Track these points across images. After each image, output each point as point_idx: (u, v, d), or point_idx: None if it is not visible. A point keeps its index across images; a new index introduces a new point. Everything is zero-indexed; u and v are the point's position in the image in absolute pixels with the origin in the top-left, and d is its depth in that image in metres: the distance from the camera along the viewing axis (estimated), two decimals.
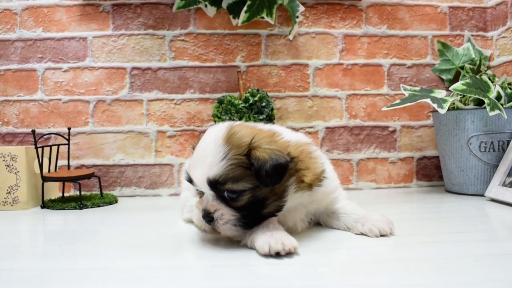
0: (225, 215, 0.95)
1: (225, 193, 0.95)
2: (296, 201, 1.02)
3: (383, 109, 1.72)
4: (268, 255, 0.89)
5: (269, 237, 0.91)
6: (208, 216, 0.96)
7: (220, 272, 0.84)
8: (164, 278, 0.79)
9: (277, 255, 0.89)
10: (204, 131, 1.89)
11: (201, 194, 1.01)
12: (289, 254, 0.90)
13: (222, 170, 0.92)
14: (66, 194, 1.85)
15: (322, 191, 1.07)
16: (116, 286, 0.75)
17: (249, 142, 0.94)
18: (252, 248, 0.95)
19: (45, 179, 1.64)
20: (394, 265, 0.84)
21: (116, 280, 0.79)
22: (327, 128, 1.97)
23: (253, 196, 0.95)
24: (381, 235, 1.04)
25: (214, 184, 0.94)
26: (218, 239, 1.08)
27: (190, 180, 1.00)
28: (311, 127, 1.96)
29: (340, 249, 0.96)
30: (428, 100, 1.60)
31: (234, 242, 1.02)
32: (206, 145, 0.96)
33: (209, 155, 0.94)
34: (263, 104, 1.70)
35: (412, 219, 1.32)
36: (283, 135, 1.02)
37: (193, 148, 1.05)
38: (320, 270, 0.81)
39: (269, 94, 1.88)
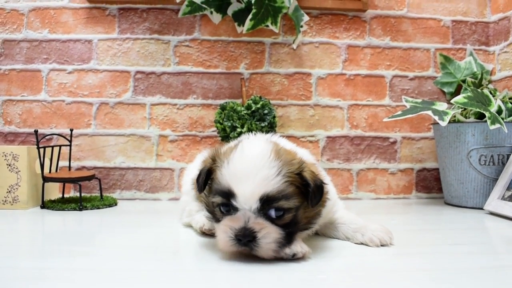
0: (272, 234, 0.88)
1: (272, 211, 0.89)
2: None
3: (385, 120, 1.73)
4: (284, 258, 0.90)
5: None
6: (249, 236, 0.87)
7: (218, 276, 0.84)
8: (161, 281, 0.79)
9: (293, 257, 0.90)
10: (206, 137, 1.92)
11: (225, 211, 0.92)
12: (300, 258, 0.91)
13: (278, 186, 0.87)
14: (66, 195, 1.85)
15: (324, 211, 1.07)
16: (112, 287, 0.76)
17: (299, 161, 0.93)
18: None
19: (45, 179, 1.65)
20: (392, 275, 0.84)
21: (113, 281, 0.79)
22: (328, 137, 1.98)
23: (295, 215, 0.92)
24: (382, 245, 1.05)
25: (267, 200, 0.87)
26: (216, 244, 1.09)
27: (229, 195, 0.89)
28: (312, 136, 1.97)
29: (339, 258, 0.96)
30: (430, 112, 1.61)
31: None
32: (255, 158, 0.89)
33: (261, 169, 0.88)
34: (265, 111, 1.71)
35: (411, 230, 1.32)
36: (300, 155, 1.00)
37: (213, 159, 0.96)
38: (319, 277, 0.81)
39: (271, 102, 1.89)
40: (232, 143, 1.03)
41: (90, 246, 1.09)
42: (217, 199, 0.92)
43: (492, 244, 1.17)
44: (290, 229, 0.91)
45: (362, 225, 1.10)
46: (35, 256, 0.99)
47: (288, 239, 0.91)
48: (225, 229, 0.89)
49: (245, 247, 0.88)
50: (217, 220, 0.95)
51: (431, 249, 1.07)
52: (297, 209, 0.91)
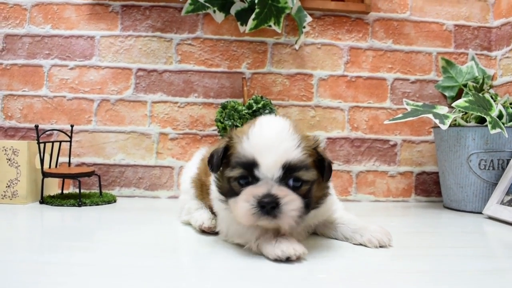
0: (295, 201, 0.90)
1: (291, 180, 0.92)
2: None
3: (385, 122, 1.73)
4: (279, 260, 0.89)
5: (278, 242, 0.92)
6: (273, 202, 0.88)
7: (216, 274, 0.84)
8: (158, 277, 0.79)
9: (287, 260, 0.89)
10: (206, 136, 1.92)
11: (244, 183, 0.93)
12: (298, 259, 0.90)
13: (299, 156, 0.91)
14: (65, 191, 1.85)
15: (324, 207, 1.07)
16: (110, 282, 0.76)
17: (314, 137, 1.00)
18: (258, 252, 0.95)
19: (45, 174, 1.65)
20: (391, 276, 0.85)
21: (111, 276, 0.79)
22: (329, 138, 1.98)
23: (310, 189, 0.96)
24: (380, 246, 1.05)
25: (289, 169, 0.90)
26: (215, 241, 1.09)
27: (252, 165, 0.91)
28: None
29: (339, 258, 0.96)
30: (430, 116, 1.61)
31: (231, 246, 1.03)
32: (277, 131, 0.94)
33: (283, 141, 0.92)
34: (266, 111, 1.71)
35: (409, 232, 1.33)
36: None
37: (229, 137, 0.98)
38: (319, 276, 0.82)
39: (272, 102, 1.88)
40: (245, 126, 1.03)
41: (89, 242, 1.10)
42: (237, 172, 0.93)
43: (490, 248, 1.17)
44: (306, 202, 0.94)
45: (361, 226, 1.10)
46: (33, 250, 0.99)
47: (306, 211, 0.94)
48: (247, 197, 0.90)
49: (268, 216, 0.89)
50: (234, 195, 0.95)
51: (429, 252, 1.07)
52: (312, 183, 0.96)
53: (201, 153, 1.37)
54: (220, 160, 0.97)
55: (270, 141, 0.92)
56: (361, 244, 1.07)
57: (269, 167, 0.90)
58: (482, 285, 0.80)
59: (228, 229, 1.06)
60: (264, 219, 0.89)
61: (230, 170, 0.94)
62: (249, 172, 0.91)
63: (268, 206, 0.88)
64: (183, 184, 1.40)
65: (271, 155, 0.90)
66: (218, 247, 1.05)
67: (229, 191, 0.97)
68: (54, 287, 0.72)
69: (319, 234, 1.18)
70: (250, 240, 0.97)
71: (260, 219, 0.89)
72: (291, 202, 0.90)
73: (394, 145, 2.01)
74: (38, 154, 1.67)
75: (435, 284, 0.80)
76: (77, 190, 1.88)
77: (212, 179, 1.09)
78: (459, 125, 1.71)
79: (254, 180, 0.92)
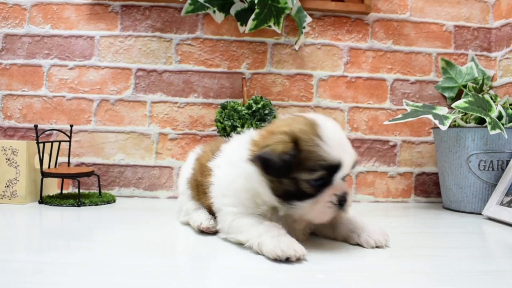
0: (351, 193, 1.02)
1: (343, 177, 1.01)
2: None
3: (385, 122, 1.73)
4: (278, 260, 0.89)
5: (279, 242, 0.91)
6: (346, 198, 0.98)
7: (214, 274, 0.84)
8: (156, 276, 0.79)
9: (287, 260, 0.89)
10: (206, 136, 1.92)
11: (318, 185, 0.96)
12: (298, 260, 0.90)
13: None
14: (64, 191, 1.85)
15: None
16: (108, 281, 0.76)
17: None
18: (258, 252, 0.95)
19: (44, 174, 1.65)
20: (389, 276, 0.84)
21: (109, 276, 0.79)
22: None
23: None
24: (376, 247, 1.04)
25: (353, 166, 1.01)
26: (214, 241, 1.09)
27: (336, 167, 0.95)
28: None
29: (338, 258, 0.96)
30: (430, 116, 1.61)
31: (230, 246, 1.03)
32: (341, 132, 1.00)
33: (347, 141, 1.00)
34: (266, 111, 1.70)
35: (408, 233, 1.32)
36: None
37: (294, 142, 0.95)
38: (317, 277, 0.81)
39: (272, 102, 1.89)
40: (281, 126, 1.01)
41: (88, 242, 1.09)
42: (318, 174, 0.94)
43: (490, 248, 1.17)
44: None
45: (359, 226, 1.10)
46: (32, 250, 0.99)
47: None
48: (330, 198, 0.97)
49: (340, 209, 0.99)
50: (304, 197, 0.97)
51: (428, 252, 1.07)
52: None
53: (196, 153, 1.36)
54: (290, 164, 0.94)
55: (345, 142, 0.99)
56: (358, 244, 1.06)
57: (348, 167, 0.98)
58: (481, 286, 0.80)
59: (230, 226, 1.04)
60: (336, 212, 0.99)
61: (309, 174, 0.94)
62: (329, 173, 0.95)
63: (344, 203, 0.98)
64: (180, 186, 1.39)
65: (349, 155, 0.98)
66: (217, 247, 1.05)
67: (297, 193, 0.97)
68: (53, 286, 0.72)
69: (317, 233, 1.17)
70: (251, 238, 0.97)
71: (335, 212, 0.99)
72: (350, 194, 1.01)
73: (394, 146, 2.01)
74: (37, 154, 1.67)
75: (434, 285, 0.79)
76: (76, 190, 1.88)
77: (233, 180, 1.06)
78: (459, 126, 1.71)
79: (327, 181, 0.96)
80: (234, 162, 1.06)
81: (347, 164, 0.97)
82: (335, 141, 0.95)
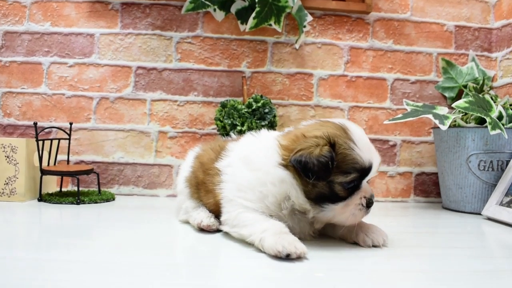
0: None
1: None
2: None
3: (385, 122, 1.73)
4: (278, 257, 0.89)
5: (281, 239, 0.91)
6: (372, 202, 1.03)
7: (213, 272, 0.84)
8: (154, 274, 0.79)
9: (287, 257, 0.89)
10: (206, 134, 1.91)
11: (349, 187, 0.99)
12: (298, 258, 0.90)
13: None
14: (63, 189, 1.84)
15: None
16: (107, 279, 0.75)
17: None
18: (259, 247, 0.95)
19: (44, 172, 1.64)
20: (389, 275, 0.84)
21: (108, 273, 0.79)
22: None
23: None
24: (373, 246, 1.04)
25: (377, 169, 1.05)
26: (213, 239, 1.09)
27: (367, 170, 1.00)
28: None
29: (337, 257, 0.95)
30: (430, 116, 1.60)
31: (230, 244, 1.03)
32: (366, 136, 1.03)
33: (372, 145, 1.04)
34: (266, 110, 1.70)
35: (408, 233, 1.32)
36: None
37: (331, 145, 0.96)
38: (317, 275, 0.81)
39: (272, 101, 1.88)
40: (312, 131, 1.02)
41: (87, 240, 1.09)
42: (352, 177, 0.98)
43: (489, 248, 1.17)
44: None
45: (358, 224, 1.09)
46: (31, 247, 0.99)
47: None
48: (361, 201, 1.01)
49: (367, 211, 1.03)
50: (336, 200, 0.99)
51: (427, 252, 1.07)
52: None
53: (195, 151, 1.36)
54: (328, 167, 0.95)
55: (372, 146, 1.03)
56: (355, 243, 1.06)
57: (376, 170, 1.03)
58: (480, 285, 0.79)
59: (236, 218, 1.04)
60: (365, 214, 1.03)
61: (344, 176, 0.97)
62: (361, 176, 0.99)
63: (372, 204, 1.03)
64: (178, 185, 1.39)
65: (377, 159, 1.02)
66: (217, 245, 1.05)
67: (330, 196, 0.99)
68: (52, 284, 0.72)
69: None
70: (254, 233, 0.97)
71: (363, 215, 1.03)
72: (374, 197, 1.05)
73: (394, 146, 2.01)
74: (36, 152, 1.67)
75: (433, 284, 0.79)
76: (75, 188, 1.88)
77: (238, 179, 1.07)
78: (459, 126, 1.71)
79: (359, 182, 1.00)
80: (261, 167, 1.04)
81: (376, 166, 1.02)
82: (365, 144, 1.00)
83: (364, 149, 0.99)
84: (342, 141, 0.98)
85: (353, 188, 1.00)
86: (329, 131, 0.99)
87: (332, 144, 0.97)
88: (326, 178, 0.96)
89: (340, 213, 1.00)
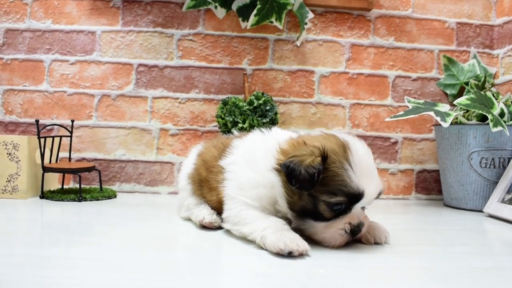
0: (367, 222, 1.02)
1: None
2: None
3: (387, 119, 1.73)
4: (280, 254, 0.89)
5: (283, 236, 0.91)
6: (361, 229, 0.98)
7: (215, 268, 0.84)
8: (157, 271, 0.79)
9: (289, 254, 0.89)
10: (207, 132, 1.91)
11: (336, 209, 0.94)
12: (300, 255, 0.90)
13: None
14: (65, 186, 1.85)
15: None
16: (109, 276, 0.76)
17: None
18: (260, 245, 0.95)
19: (45, 169, 1.65)
20: (390, 272, 0.84)
21: (110, 270, 0.79)
22: None
23: None
24: (376, 243, 1.04)
25: (377, 197, 0.99)
26: (216, 237, 1.09)
27: (357, 196, 0.93)
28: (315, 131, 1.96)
29: (340, 254, 0.95)
30: (432, 113, 1.60)
31: (232, 241, 1.03)
32: (371, 159, 0.98)
33: (375, 170, 0.98)
34: (267, 107, 1.70)
35: (409, 230, 1.32)
36: None
37: (323, 158, 0.92)
38: (320, 272, 0.81)
39: (273, 98, 1.88)
40: (313, 140, 0.99)
41: (89, 236, 1.09)
42: (338, 199, 0.93)
43: (490, 245, 1.17)
44: None
45: None
46: (33, 244, 0.99)
47: None
48: (344, 226, 0.96)
49: (352, 237, 0.98)
50: (320, 219, 0.96)
51: (429, 249, 1.07)
52: None
53: (198, 149, 1.36)
54: (314, 179, 0.90)
55: (373, 173, 0.97)
56: (357, 240, 1.06)
57: (370, 199, 0.96)
58: (481, 282, 0.80)
59: (237, 215, 1.04)
60: (347, 240, 0.97)
61: (329, 196, 0.93)
62: (350, 201, 0.94)
63: (358, 233, 0.97)
64: (180, 181, 1.39)
65: (374, 187, 0.96)
66: (219, 242, 1.05)
67: (313, 213, 0.96)
68: (54, 280, 0.72)
69: None
70: (256, 230, 0.97)
71: (347, 240, 0.97)
72: (366, 225, 1.00)
73: (395, 143, 2.01)
74: (38, 149, 1.67)
75: (434, 281, 0.79)
76: (77, 185, 1.88)
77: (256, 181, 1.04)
78: (461, 123, 1.71)
79: (347, 208, 0.95)
80: (258, 169, 1.04)
81: (370, 195, 0.95)
82: (362, 168, 0.93)
83: (359, 173, 0.92)
84: (337, 158, 0.93)
85: (340, 211, 0.95)
86: (328, 144, 0.95)
87: (324, 158, 0.92)
88: (308, 189, 0.92)
89: (320, 232, 0.97)
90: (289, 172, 0.92)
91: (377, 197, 0.99)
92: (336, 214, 0.95)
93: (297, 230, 0.97)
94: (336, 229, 0.96)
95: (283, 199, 0.99)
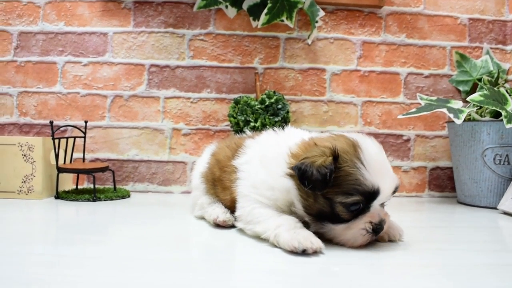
0: (389, 219, 1.01)
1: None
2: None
3: (399, 116, 1.72)
4: (294, 252, 0.89)
5: (297, 234, 0.91)
6: (382, 227, 0.97)
7: (228, 266, 0.84)
8: (171, 269, 0.80)
9: (303, 252, 0.89)
10: (219, 131, 1.92)
11: (354, 209, 0.93)
12: (314, 253, 0.90)
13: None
14: (79, 187, 1.87)
15: None
16: (123, 274, 0.76)
17: None
18: (274, 244, 0.95)
19: (60, 170, 1.66)
20: (404, 269, 0.84)
21: (124, 269, 0.80)
22: None
23: None
24: (390, 240, 1.04)
25: (393, 193, 0.98)
26: (229, 235, 1.09)
27: (373, 194, 0.92)
28: (325, 132, 1.96)
29: (353, 251, 0.95)
30: (445, 110, 1.59)
31: (246, 239, 1.03)
32: (383, 155, 0.98)
33: (389, 166, 0.98)
34: (279, 106, 1.70)
35: (423, 227, 1.32)
36: None
37: (334, 157, 0.92)
38: (333, 269, 0.82)
39: (285, 97, 1.88)
40: (323, 141, 0.99)
41: (103, 236, 1.11)
42: (354, 199, 0.92)
43: (505, 242, 1.16)
44: None
45: None
46: (49, 243, 1.01)
47: None
48: (365, 225, 0.95)
49: (375, 236, 0.97)
50: (338, 221, 0.95)
51: (443, 246, 1.06)
52: None
53: (211, 148, 1.37)
54: (326, 179, 0.90)
55: (386, 169, 0.96)
56: None
57: (387, 195, 0.96)
58: (495, 279, 0.79)
59: (250, 213, 1.04)
60: (370, 239, 0.97)
61: (345, 197, 0.92)
62: (366, 200, 0.93)
63: (381, 230, 0.97)
64: (193, 180, 1.40)
65: (389, 183, 0.95)
66: (233, 240, 1.05)
67: (330, 215, 0.95)
68: (69, 279, 0.73)
69: None
70: (269, 229, 0.97)
71: (368, 240, 0.97)
72: (387, 222, 0.99)
73: (408, 140, 2.00)
74: (53, 150, 1.69)
75: (448, 278, 0.79)
76: (91, 185, 1.90)
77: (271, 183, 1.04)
78: (474, 120, 1.69)
79: (365, 207, 0.94)
80: (271, 173, 1.03)
81: (386, 191, 0.94)
82: (375, 166, 0.92)
83: (372, 170, 0.91)
84: (348, 158, 0.92)
85: (358, 210, 0.94)
86: (338, 144, 0.94)
87: (335, 158, 0.92)
88: (321, 189, 0.91)
89: (340, 234, 0.96)
90: (301, 174, 0.92)
91: (394, 192, 0.98)
92: (355, 214, 0.94)
93: (316, 234, 0.96)
94: (357, 229, 0.95)
95: (299, 202, 0.99)
